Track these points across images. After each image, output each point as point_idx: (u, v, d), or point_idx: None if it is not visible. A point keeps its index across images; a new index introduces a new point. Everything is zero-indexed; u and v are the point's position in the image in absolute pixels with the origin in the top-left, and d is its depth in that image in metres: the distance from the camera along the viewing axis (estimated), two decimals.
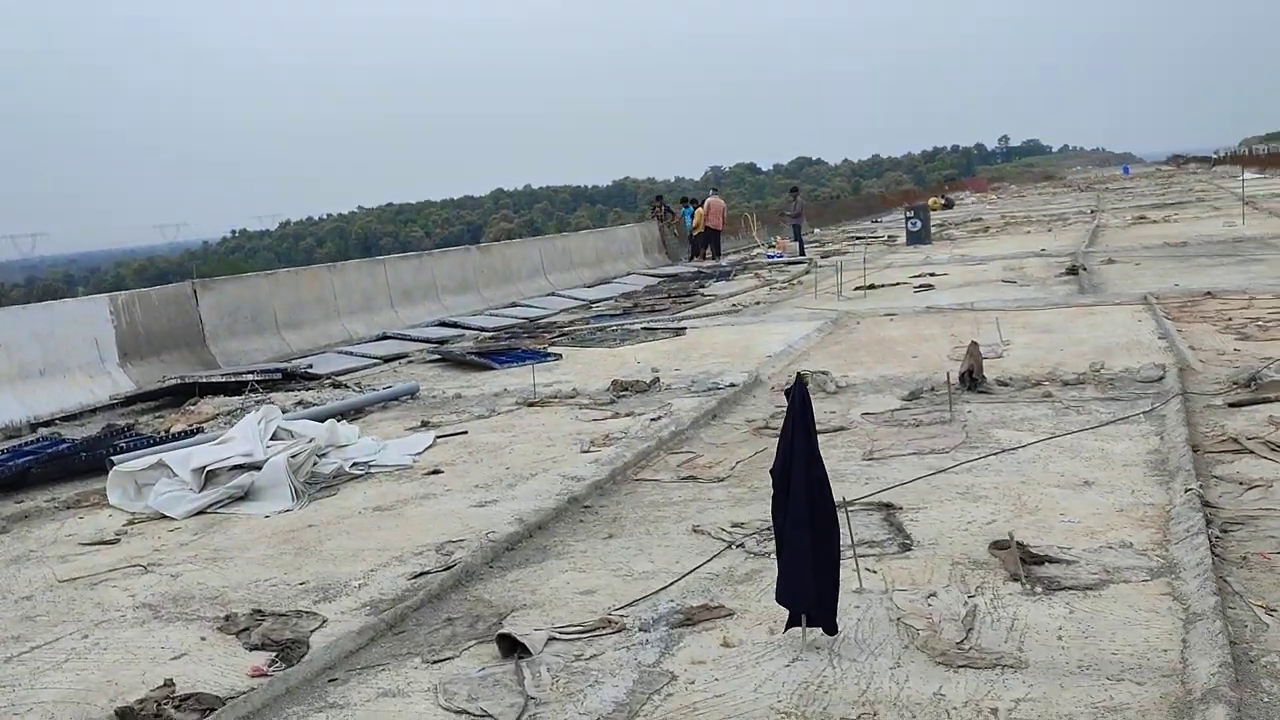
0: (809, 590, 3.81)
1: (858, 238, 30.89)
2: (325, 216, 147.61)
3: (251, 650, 4.41)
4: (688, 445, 7.37)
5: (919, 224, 25.87)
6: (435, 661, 4.15)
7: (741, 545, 5.18)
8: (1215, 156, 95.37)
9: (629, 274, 23.19)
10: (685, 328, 13.38)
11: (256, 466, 6.95)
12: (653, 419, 8.10)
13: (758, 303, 16.15)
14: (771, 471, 3.85)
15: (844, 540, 4.83)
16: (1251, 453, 5.97)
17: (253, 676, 4.14)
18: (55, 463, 8.08)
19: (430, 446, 7.95)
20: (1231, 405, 7.07)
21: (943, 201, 46.40)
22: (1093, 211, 33.43)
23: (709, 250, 26.30)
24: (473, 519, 5.97)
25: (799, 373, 4.35)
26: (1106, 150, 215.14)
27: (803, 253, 24.95)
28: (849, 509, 4.90)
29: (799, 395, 3.77)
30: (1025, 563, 4.52)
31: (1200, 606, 3.93)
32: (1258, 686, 3.37)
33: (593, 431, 7.92)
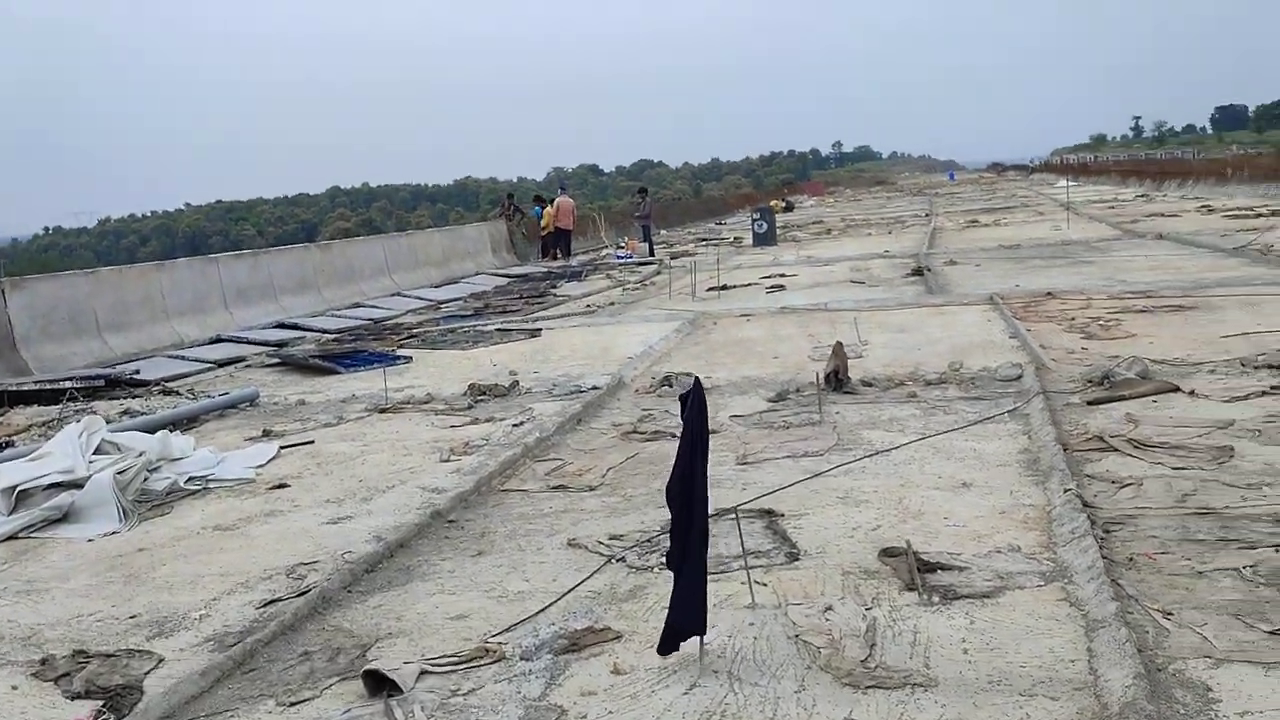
0: (704, 613, 3.54)
1: (704, 239, 31.08)
2: (149, 214, 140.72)
3: (73, 699, 3.87)
4: (554, 452, 7.03)
5: (765, 226, 26.16)
6: (292, 704, 3.71)
7: (622, 559, 4.89)
8: (1032, 165, 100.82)
9: (478, 274, 22.64)
10: (541, 329, 13.02)
11: (78, 484, 6.27)
12: (515, 424, 7.73)
13: (612, 303, 15.92)
14: (668, 490, 3.55)
15: (733, 551, 4.62)
16: (1118, 450, 6.03)
17: None
18: None
19: (274, 458, 7.37)
20: (1090, 403, 7.19)
21: (784, 204, 47.28)
22: (927, 215, 34.61)
23: (559, 250, 25.98)
24: (326, 538, 5.49)
25: (695, 377, 4.06)
26: (932, 157, 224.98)
27: (653, 253, 24.89)
28: (736, 517, 4.67)
29: (697, 402, 3.48)
30: (919, 571, 4.38)
31: (1100, 613, 3.84)
32: (1171, 698, 3.27)
33: (451, 439, 7.49)
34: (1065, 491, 5.19)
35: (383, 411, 8.67)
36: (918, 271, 16.20)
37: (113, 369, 11.18)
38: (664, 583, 4.45)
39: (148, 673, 4.01)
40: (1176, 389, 7.37)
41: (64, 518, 6.09)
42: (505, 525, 5.56)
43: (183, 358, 12.38)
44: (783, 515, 5.33)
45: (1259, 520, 4.75)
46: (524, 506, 5.88)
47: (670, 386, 8.62)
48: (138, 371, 11.04)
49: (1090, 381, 7.74)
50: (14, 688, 4.00)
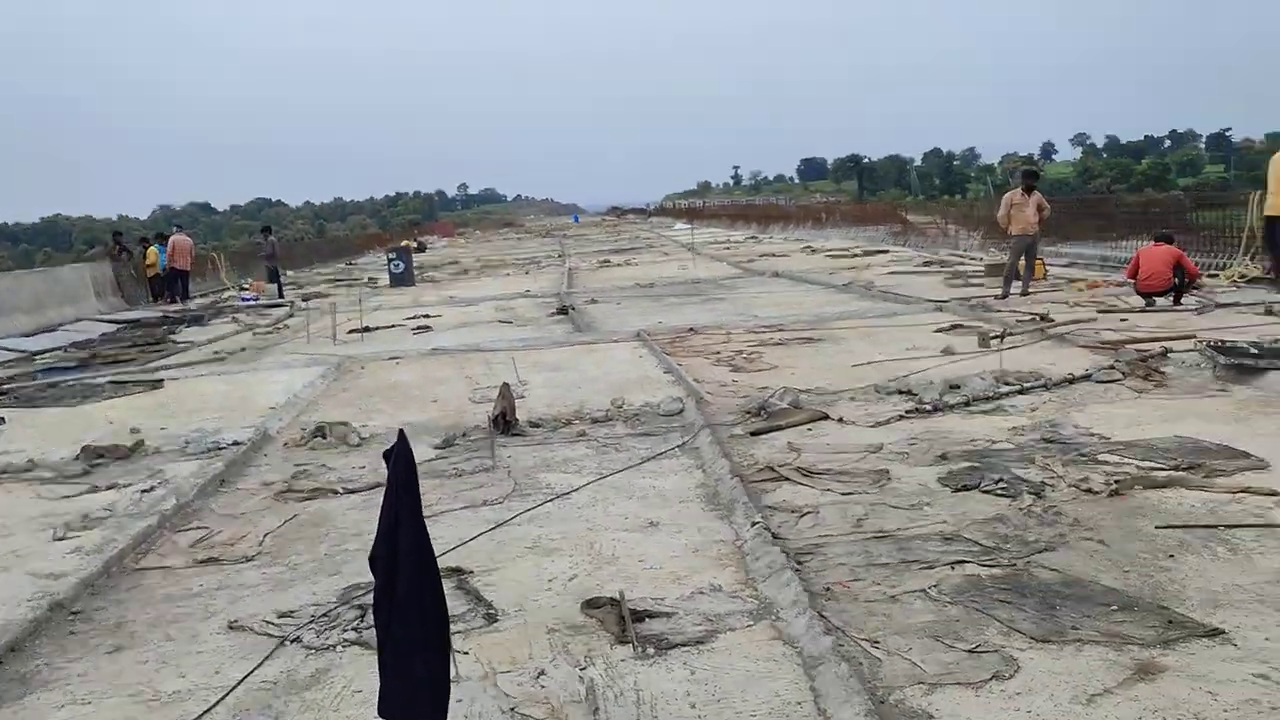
0: (425, 698, 3.08)
1: (337, 280, 29.86)
2: None
3: None
4: (198, 519, 6.19)
5: (402, 266, 25.52)
6: None
7: (297, 640, 4.28)
8: (650, 209, 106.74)
9: (80, 320, 20.20)
10: (164, 379, 11.71)
11: None
12: (144, 490, 6.75)
13: (243, 349, 14.70)
14: (371, 559, 3.07)
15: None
16: (789, 480, 6.19)
17: None
18: None
19: None
20: (753, 434, 7.39)
21: (416, 245, 46.60)
22: (560, 255, 35.36)
23: (174, 293, 23.86)
24: None
25: (400, 429, 3.58)
26: (555, 201, 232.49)
27: (282, 295, 23.49)
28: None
29: (402, 455, 3.04)
30: (628, 621, 4.16)
31: (815, 649, 3.80)
32: None
33: (66, 512, 6.41)
34: (753, 525, 5.20)
35: None
36: (563, 310, 16.33)
37: None
38: (350, 662, 3.93)
39: None
40: (826, 417, 7.76)
41: None
42: (147, 612, 4.75)
43: None
44: (472, 572, 4.95)
45: (929, 539, 4.98)
46: (168, 587, 5.07)
47: (324, 438, 7.95)
48: None
49: (748, 413, 7.98)
50: None
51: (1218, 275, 15.88)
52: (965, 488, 5.82)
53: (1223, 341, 9.10)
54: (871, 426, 7.43)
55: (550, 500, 6.08)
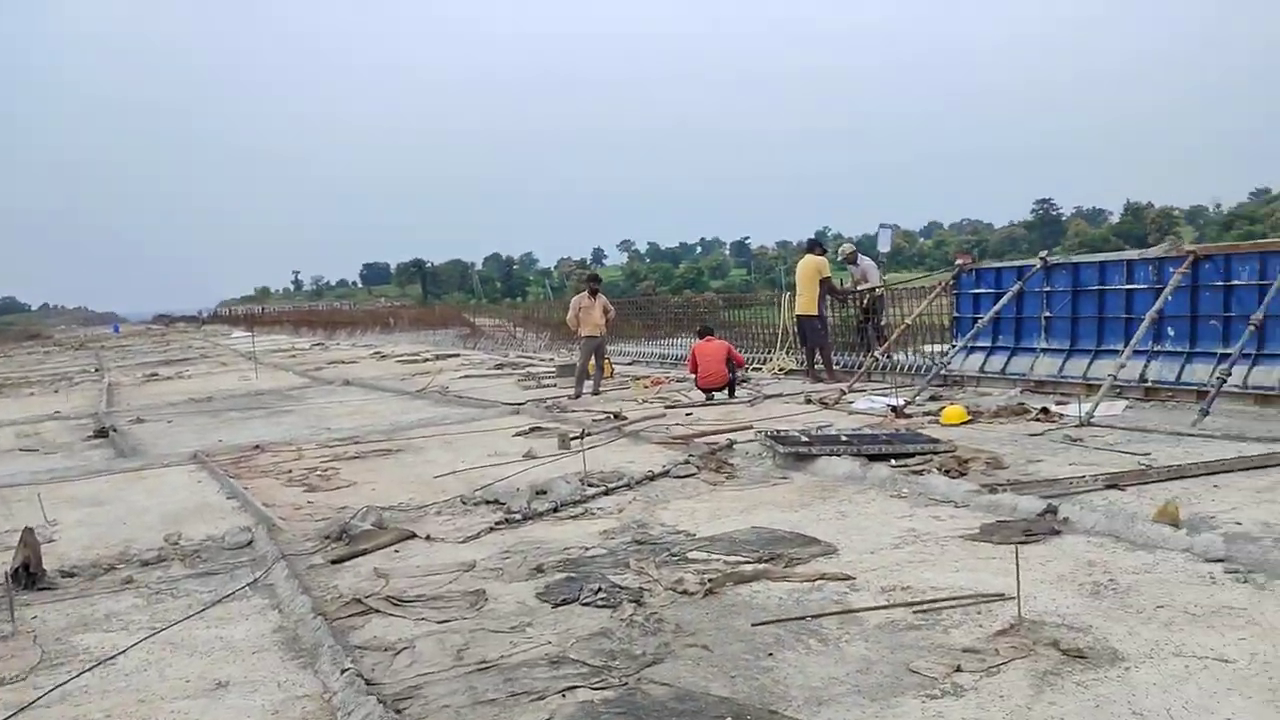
0: None
1: None
2: None
3: None
4: None
5: None
6: None
7: None
8: (203, 316, 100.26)
9: None
10: None
11: None
12: None
13: None
14: None
15: None
16: (379, 611, 5.64)
17: None
18: None
19: None
20: (334, 562, 6.74)
21: None
22: (98, 370, 31.81)
23: None
24: None
25: None
26: (89, 309, 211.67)
27: None
28: None
29: None
30: None
31: None
32: None
33: None
34: (343, 672, 4.60)
35: None
36: (102, 433, 14.45)
37: None
38: None
39: None
40: (414, 535, 7.28)
41: None
42: None
43: None
44: None
45: (536, 665, 4.67)
46: None
47: None
48: None
49: (328, 538, 7.31)
50: None
51: (761, 369, 17.39)
52: (565, 601, 5.61)
53: (778, 431, 9.79)
54: (462, 542, 7.07)
55: (90, 669, 5.06)
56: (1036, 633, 4.62)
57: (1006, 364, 13.32)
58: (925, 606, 5.11)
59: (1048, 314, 12.97)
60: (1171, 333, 11.36)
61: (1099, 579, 5.35)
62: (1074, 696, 3.92)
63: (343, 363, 26.99)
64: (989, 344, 13.64)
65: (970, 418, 10.51)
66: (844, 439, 9.12)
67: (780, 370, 17.14)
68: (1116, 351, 11.66)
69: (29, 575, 6.60)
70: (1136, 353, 11.01)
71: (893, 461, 8.45)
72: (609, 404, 13.96)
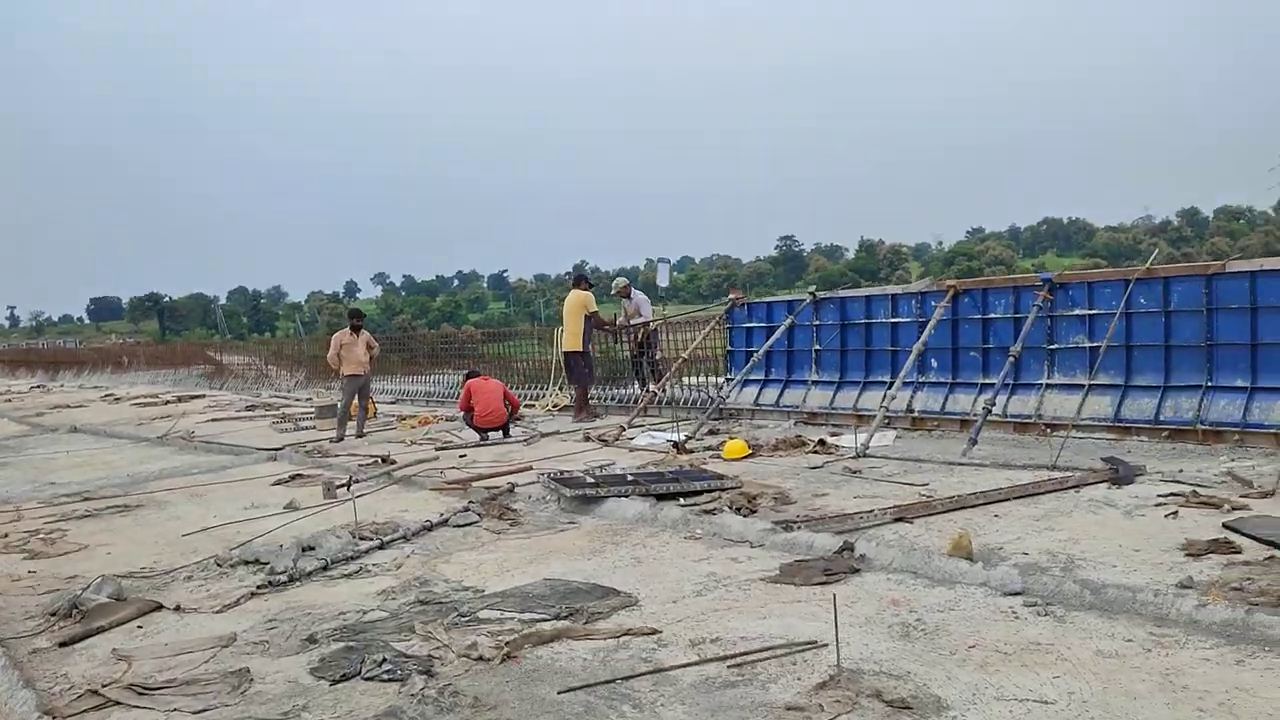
0: None
1: None
2: None
3: None
4: None
5: None
6: None
7: None
8: None
9: None
10: None
11: None
12: None
13: None
14: None
15: None
16: (120, 704, 4.82)
17: None
18: None
19: None
20: (63, 644, 5.79)
21: None
22: None
23: None
24: None
25: None
26: None
27: None
28: None
29: None
30: None
31: None
32: None
33: None
34: None
35: None
36: None
37: None
38: None
39: None
40: (161, 606, 6.40)
41: None
42: None
43: None
44: None
45: None
46: None
47: None
48: None
49: (55, 614, 6.31)
50: None
51: (534, 406, 17.00)
52: (345, 676, 4.97)
53: (561, 472, 9.41)
54: (219, 611, 6.26)
55: None
56: (857, 683, 4.43)
57: (780, 396, 13.52)
58: (739, 660, 4.83)
59: (818, 347, 13.28)
60: (935, 364, 11.83)
61: (906, 619, 5.25)
62: None
63: (68, 406, 24.54)
64: (763, 376, 13.83)
65: (751, 451, 10.50)
66: (630, 478, 8.86)
67: (554, 407, 16.81)
68: (884, 383, 12.03)
69: None
70: (904, 384, 11.37)
71: (682, 500, 8.24)
72: (376, 446, 13.18)
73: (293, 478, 11.14)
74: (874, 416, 10.92)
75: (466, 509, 8.55)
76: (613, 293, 17.43)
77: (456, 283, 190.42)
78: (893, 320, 12.49)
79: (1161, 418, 9.77)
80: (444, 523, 8.23)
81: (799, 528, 7.03)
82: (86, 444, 16.17)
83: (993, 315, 11.41)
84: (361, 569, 7.08)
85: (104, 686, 5.02)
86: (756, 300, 15.17)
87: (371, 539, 7.76)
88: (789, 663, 4.75)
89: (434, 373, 22.57)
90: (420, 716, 4.42)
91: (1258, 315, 9.30)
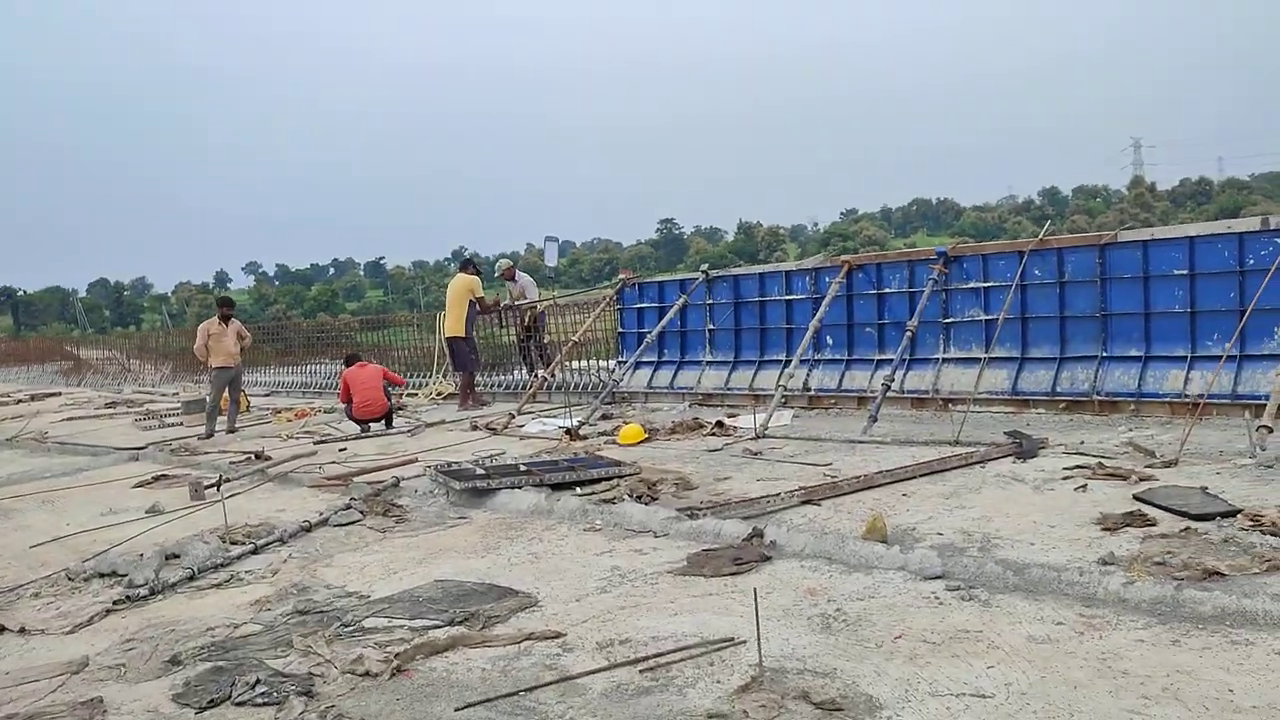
0: None
1: None
2: None
3: None
4: None
5: None
6: None
7: None
8: None
9: None
10: None
11: None
12: None
13: None
14: None
15: None
16: None
17: None
18: None
19: None
20: None
21: None
22: None
23: None
24: None
25: None
26: None
27: None
28: None
29: None
30: None
31: None
32: None
33: None
34: None
35: None
36: None
37: None
38: None
39: None
40: (3, 629, 5.72)
41: None
42: None
43: None
44: None
45: None
46: None
47: None
48: None
49: None
50: None
51: (417, 395, 16.36)
52: (213, 702, 4.43)
53: (448, 463, 8.92)
54: (70, 632, 5.62)
55: None
56: (781, 684, 4.10)
57: (674, 378, 13.21)
58: (652, 663, 4.45)
59: (712, 326, 13.01)
60: (830, 341, 11.66)
61: (826, 609, 4.95)
62: None
63: None
64: (656, 358, 13.49)
65: (647, 435, 10.16)
66: (523, 468, 8.41)
67: (438, 395, 16.19)
68: (779, 361, 11.81)
69: None
70: (800, 362, 11.15)
71: (579, 490, 7.83)
72: (248, 442, 12.41)
73: (156, 479, 10.36)
74: (771, 396, 10.68)
75: (348, 507, 7.98)
76: (496, 275, 16.87)
77: (332, 271, 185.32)
78: (787, 298, 12.27)
79: (1059, 389, 9.77)
80: (324, 522, 7.66)
81: (704, 515, 6.69)
82: None
83: (888, 290, 11.29)
84: (233, 577, 6.49)
85: None
86: (648, 280, 14.82)
87: (244, 543, 7.16)
88: (706, 664, 4.40)
89: (311, 363, 21.69)
90: None
91: (1150, 284, 9.34)
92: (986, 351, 10.22)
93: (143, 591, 6.19)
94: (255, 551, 7.00)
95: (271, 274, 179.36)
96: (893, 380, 10.03)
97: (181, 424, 15.14)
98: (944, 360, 10.68)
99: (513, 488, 7.93)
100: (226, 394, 13.96)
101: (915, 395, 10.61)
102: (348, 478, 9.21)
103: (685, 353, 13.30)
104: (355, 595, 5.87)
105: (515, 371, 16.18)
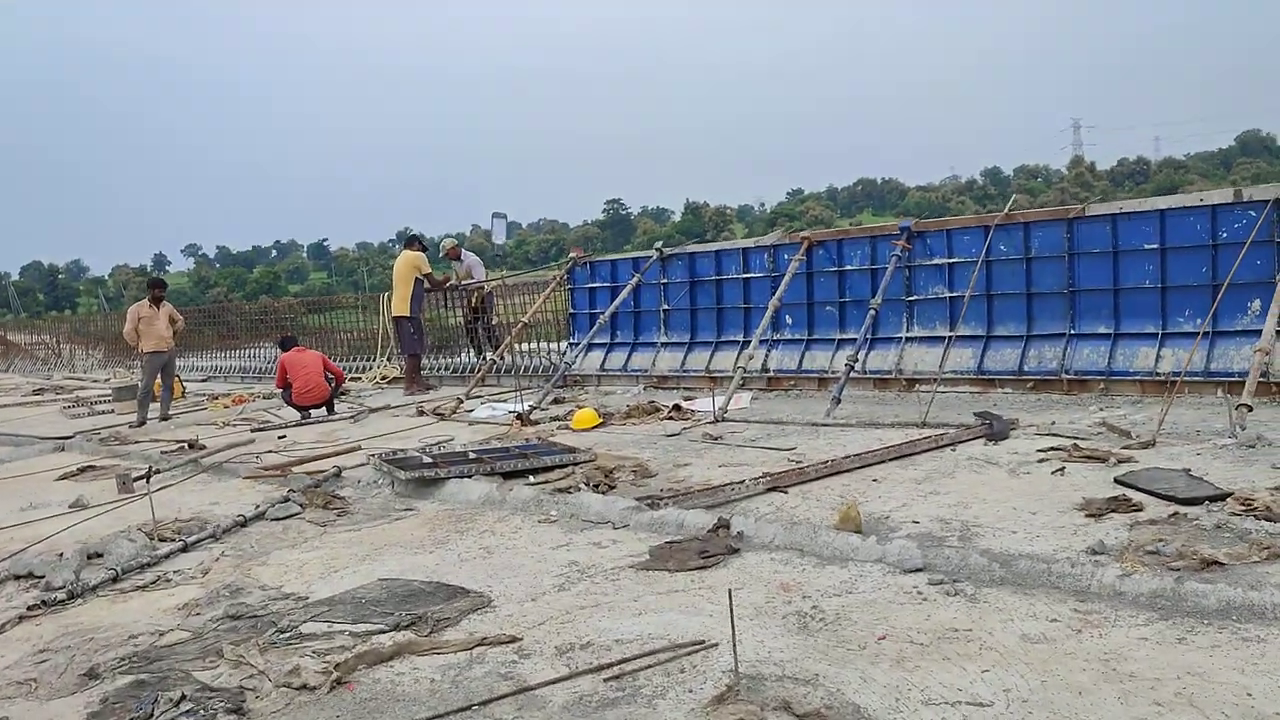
0: None
1: None
2: None
3: None
4: None
5: None
6: None
7: None
8: None
9: None
10: None
11: None
12: None
13: None
14: None
15: None
16: None
17: None
18: None
19: None
20: None
21: None
22: None
23: None
24: None
25: None
26: None
27: None
28: None
29: None
30: None
31: None
32: None
33: None
34: None
35: None
36: None
37: None
38: None
39: None
40: None
41: None
42: None
43: None
44: None
45: None
46: None
47: None
48: None
49: None
50: None
51: (360, 379, 15.82)
52: None
53: (393, 452, 8.48)
54: None
55: None
56: (760, 692, 3.75)
57: (628, 360, 12.83)
58: (617, 670, 4.09)
59: (666, 307, 12.63)
60: (790, 321, 11.34)
61: (802, 607, 4.61)
62: None
63: None
64: (608, 340, 13.10)
65: (602, 420, 9.78)
66: (473, 456, 8.01)
67: (383, 379, 15.67)
68: (737, 342, 11.48)
69: None
70: (759, 342, 10.82)
71: (533, 478, 7.44)
72: (182, 430, 11.84)
73: (82, 470, 9.78)
74: (729, 378, 10.35)
75: (286, 499, 7.51)
76: (441, 255, 16.35)
77: (275, 253, 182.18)
78: (744, 276, 11.92)
79: (1026, 368, 9.53)
80: (260, 516, 7.20)
81: (666, 504, 6.33)
82: None
83: (849, 267, 10.98)
84: (160, 578, 6.01)
85: None
86: (600, 258, 14.39)
87: (173, 540, 6.69)
88: (676, 670, 4.04)
89: (250, 347, 21.02)
90: None
91: (1119, 259, 9.12)
92: (951, 330, 9.96)
93: (61, 595, 5.71)
94: (185, 549, 6.53)
95: (212, 256, 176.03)
96: (856, 360, 9.73)
97: (113, 411, 14.50)
98: (908, 339, 10.41)
99: (462, 477, 7.52)
100: (159, 380, 13.35)
101: (878, 375, 10.33)
102: (286, 468, 8.72)
103: (639, 334, 12.92)
104: (293, 597, 5.44)
105: (462, 354, 15.70)
